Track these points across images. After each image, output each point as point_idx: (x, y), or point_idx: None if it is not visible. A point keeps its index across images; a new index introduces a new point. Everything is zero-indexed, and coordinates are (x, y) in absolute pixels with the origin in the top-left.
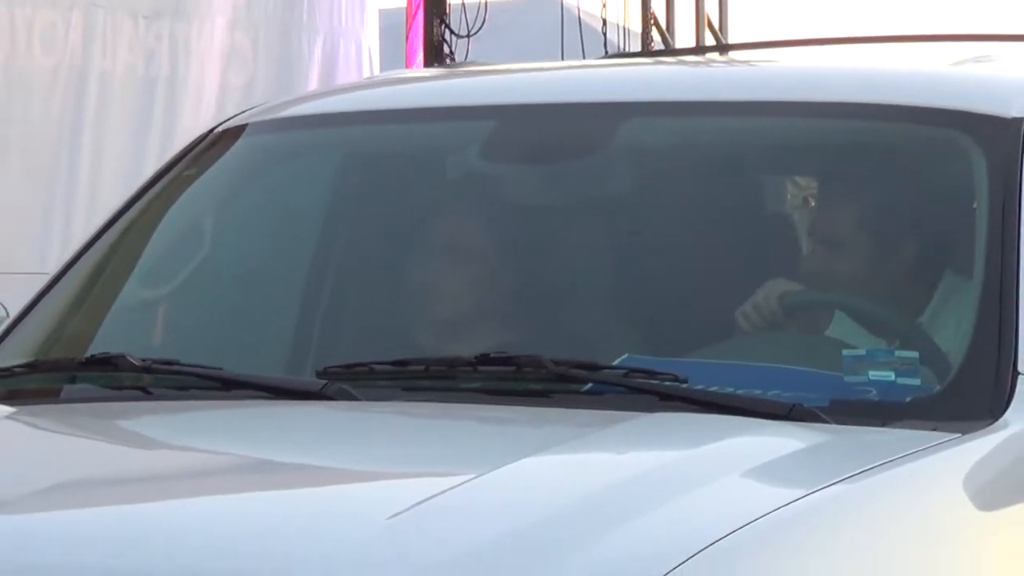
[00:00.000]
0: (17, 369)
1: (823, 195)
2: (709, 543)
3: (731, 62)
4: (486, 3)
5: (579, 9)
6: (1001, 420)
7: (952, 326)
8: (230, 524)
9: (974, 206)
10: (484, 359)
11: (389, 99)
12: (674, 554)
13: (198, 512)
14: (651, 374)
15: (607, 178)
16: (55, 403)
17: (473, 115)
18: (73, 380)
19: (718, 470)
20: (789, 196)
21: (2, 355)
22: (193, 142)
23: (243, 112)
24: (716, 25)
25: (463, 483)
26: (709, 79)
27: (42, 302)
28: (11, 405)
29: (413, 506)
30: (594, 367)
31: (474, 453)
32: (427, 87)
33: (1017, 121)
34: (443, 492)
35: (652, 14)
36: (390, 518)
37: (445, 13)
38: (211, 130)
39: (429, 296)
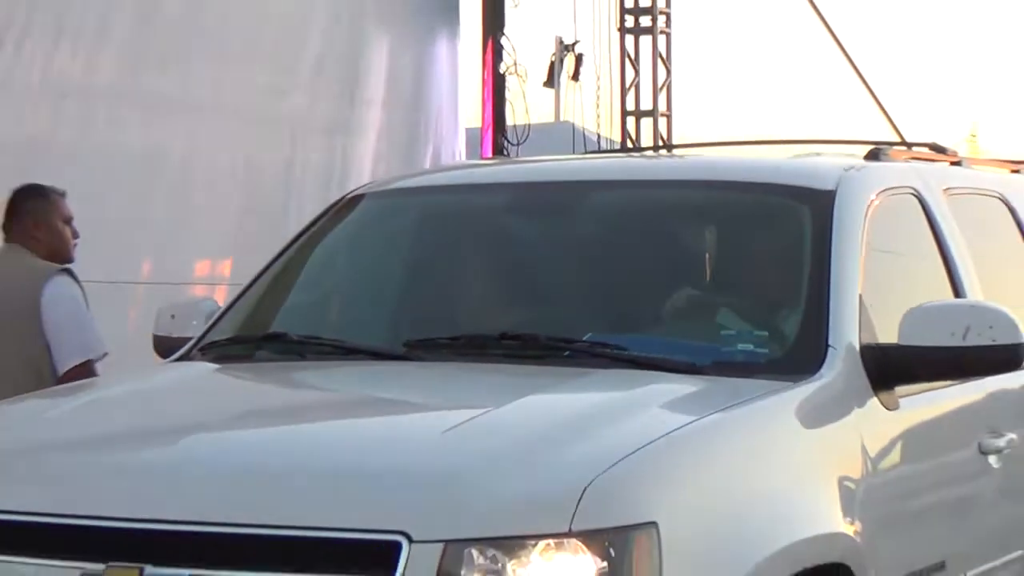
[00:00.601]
0: (223, 341)
1: (716, 235)
2: (648, 441)
3: (664, 157)
4: (529, 125)
5: (584, 129)
6: (817, 375)
7: (790, 317)
8: (342, 433)
9: (804, 243)
10: (504, 336)
11: (450, 178)
12: (623, 449)
13: (326, 427)
14: (604, 345)
15: (582, 225)
16: (246, 363)
17: (503, 188)
18: (257, 348)
19: (646, 402)
20: (696, 236)
21: (214, 333)
22: (333, 203)
23: (364, 185)
24: (664, 136)
25: (488, 411)
26: (648, 167)
27: (238, 300)
28: (219, 364)
29: (458, 424)
30: (570, 341)
31: (495, 393)
32: (474, 171)
33: (831, 192)
34: (476, 416)
35: (626, 132)
36: (443, 432)
37: (504, 130)
38: (344, 196)
39: (469, 296)
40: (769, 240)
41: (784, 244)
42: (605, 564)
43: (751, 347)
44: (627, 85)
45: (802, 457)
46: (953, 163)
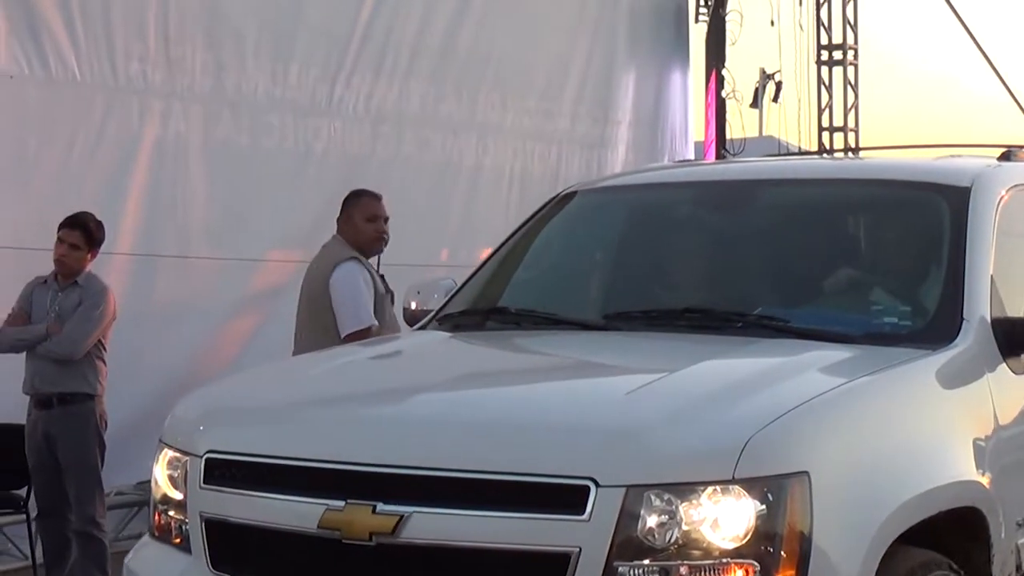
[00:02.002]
0: (456, 314)
1: (869, 224)
2: (803, 401)
3: (831, 159)
4: (744, 139)
5: (787, 142)
6: (952, 343)
7: (931, 295)
8: (545, 393)
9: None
10: (687, 310)
11: (647, 178)
12: (780, 408)
13: (532, 387)
14: (770, 318)
15: (755, 217)
16: (473, 332)
17: (689, 186)
18: (484, 319)
19: (802, 367)
20: (851, 225)
21: (450, 307)
22: (551, 199)
23: (577, 184)
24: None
25: (665, 375)
26: (812, 167)
27: (471, 280)
28: (451, 332)
29: (641, 386)
30: (742, 314)
31: (673, 359)
32: (670, 171)
33: (967, 188)
34: (655, 380)
35: (821, 144)
36: (627, 393)
37: (726, 145)
38: (559, 193)
39: (661, 276)
40: (913, 229)
41: (926, 232)
42: (764, 507)
43: (896, 320)
44: (822, 106)
45: (939, 414)
46: None
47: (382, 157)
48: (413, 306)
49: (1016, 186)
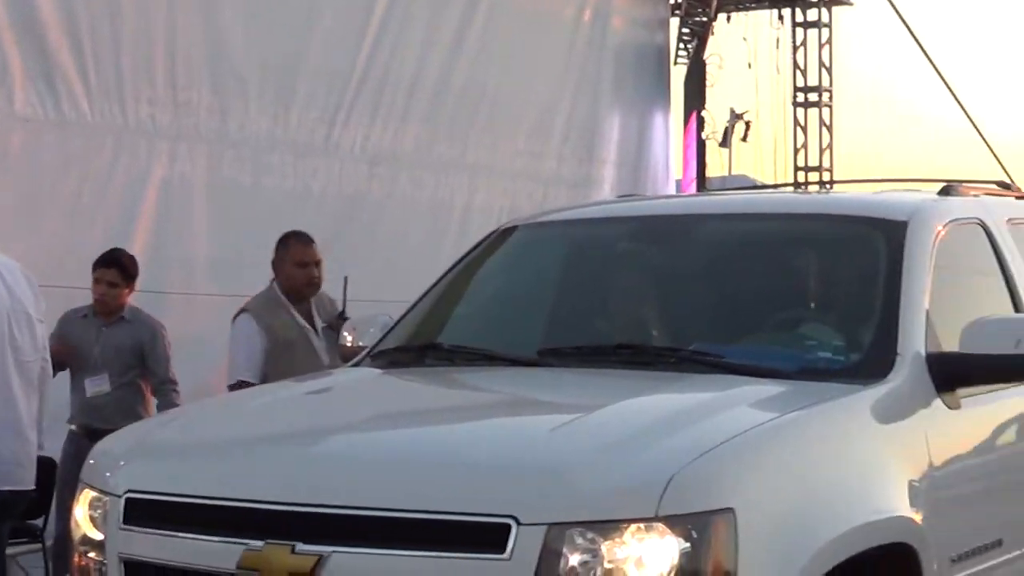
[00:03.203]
0: (390, 350)
1: (805, 260)
2: (730, 436)
3: (770, 193)
4: (724, 177)
5: (760, 180)
6: (885, 378)
7: (865, 330)
8: (468, 430)
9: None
10: (621, 345)
11: (590, 212)
12: (706, 444)
13: (456, 424)
14: (704, 354)
15: (692, 252)
16: (405, 368)
17: (627, 221)
18: (417, 356)
19: (732, 403)
20: (787, 260)
21: (385, 342)
22: (490, 233)
23: (517, 219)
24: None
25: (592, 412)
26: (750, 202)
27: (406, 315)
28: (383, 369)
29: (566, 423)
30: (675, 350)
31: (602, 395)
32: (610, 207)
33: (904, 223)
34: (581, 416)
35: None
36: (551, 430)
37: (704, 183)
38: (499, 228)
39: (595, 311)
40: (850, 264)
41: (862, 267)
42: (688, 545)
43: (830, 355)
44: (798, 146)
45: (870, 450)
46: (1018, 197)
47: (377, 196)
48: (348, 342)
49: (954, 220)
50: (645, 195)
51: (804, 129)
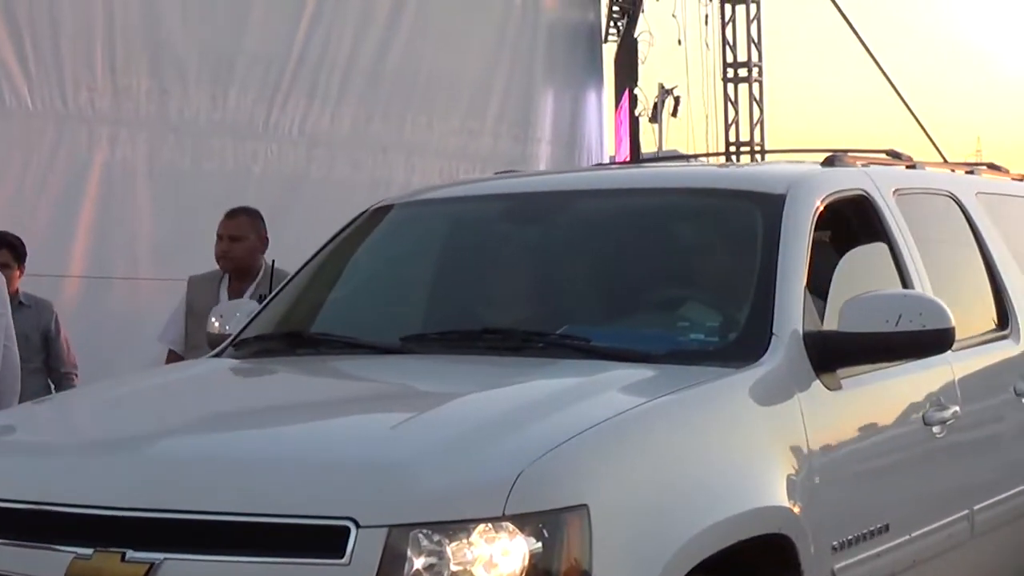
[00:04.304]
0: (251, 339)
1: (679, 237)
2: (586, 427)
3: (656, 167)
4: (656, 153)
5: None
6: (760, 360)
7: (740, 310)
8: (309, 427)
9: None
10: (486, 330)
11: (467, 190)
12: (559, 436)
13: (297, 421)
14: (572, 338)
15: (563, 230)
16: (265, 358)
17: (501, 198)
18: (279, 345)
19: (593, 390)
20: (661, 238)
21: (249, 330)
22: (362, 212)
23: (391, 196)
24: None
25: (445, 403)
26: (627, 176)
27: (272, 301)
28: (241, 360)
29: (411, 417)
30: (543, 334)
31: (461, 384)
32: (488, 184)
33: (781, 196)
34: (432, 409)
35: (730, 159)
36: (394, 426)
37: (640, 158)
38: (371, 207)
39: (463, 295)
40: (725, 240)
41: (738, 243)
42: (539, 544)
43: (703, 336)
44: (729, 122)
45: (741, 437)
46: (908, 166)
47: (316, 178)
48: (215, 329)
49: (835, 192)
50: (525, 171)
51: (735, 105)
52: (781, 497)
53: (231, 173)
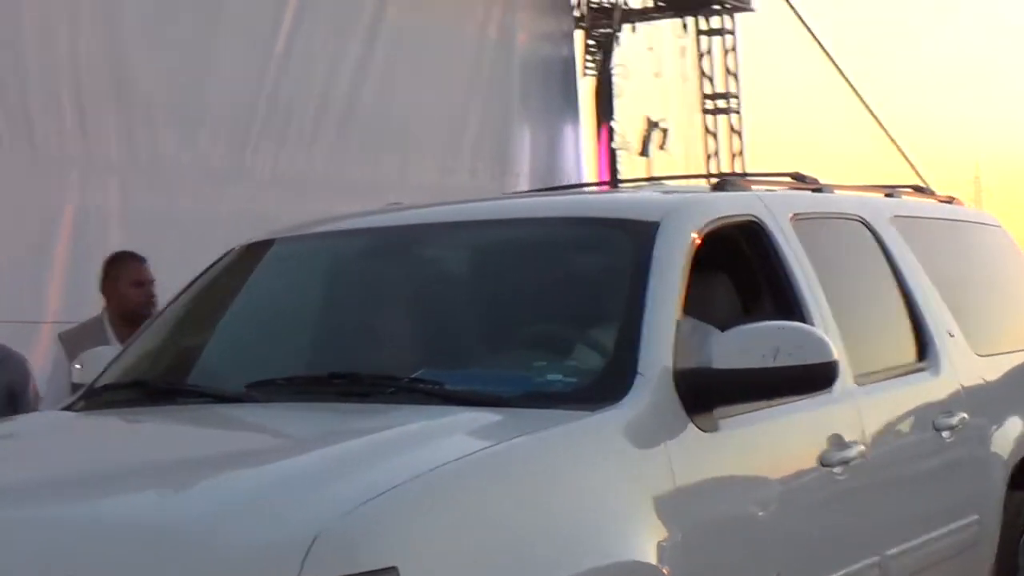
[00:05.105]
0: (99, 389)
1: (543, 270)
2: (403, 480)
3: (529, 196)
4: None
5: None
6: (620, 402)
7: (602, 347)
8: (109, 486)
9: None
10: (334, 375)
11: (339, 225)
12: (370, 490)
13: (99, 480)
14: (420, 381)
15: (422, 266)
16: (105, 410)
17: (366, 233)
18: (123, 395)
19: (423, 438)
20: (524, 271)
21: (103, 378)
22: (229, 250)
23: (271, 231)
24: None
25: (255, 458)
26: (496, 207)
27: (128, 347)
28: (83, 412)
29: (209, 477)
30: (393, 378)
31: (285, 435)
32: (360, 218)
33: (654, 224)
34: (240, 464)
35: None
36: (194, 485)
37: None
38: (248, 242)
39: (315, 337)
40: (593, 272)
41: (605, 276)
42: None
43: (560, 377)
44: (709, 153)
45: (590, 486)
46: (814, 190)
47: (288, 220)
48: (75, 377)
49: (720, 219)
50: (406, 203)
51: (714, 136)
52: (644, 552)
53: (202, 215)
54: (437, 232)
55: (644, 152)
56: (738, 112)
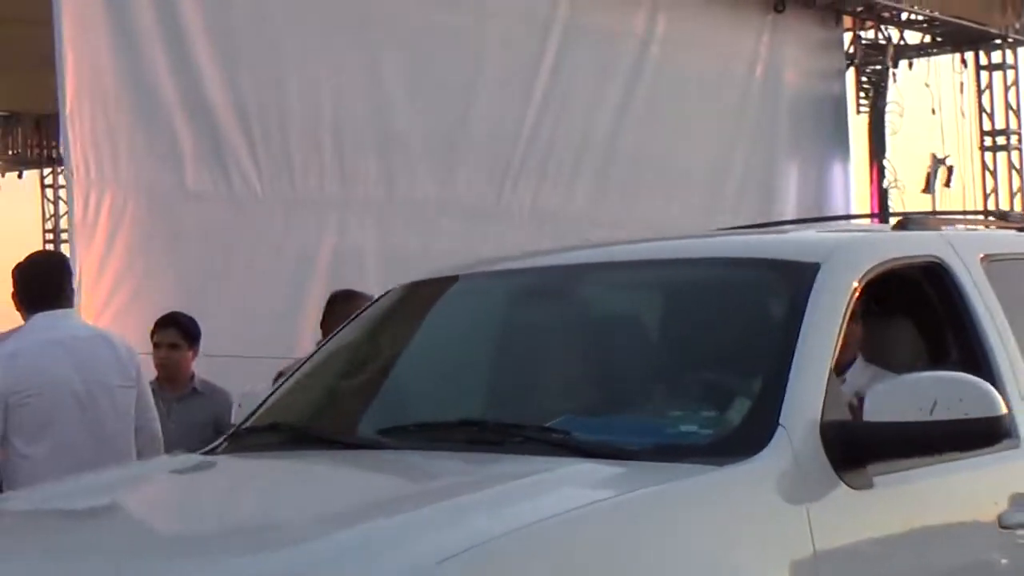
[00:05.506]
0: (242, 432)
1: (688, 314)
2: (502, 533)
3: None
4: None
5: None
6: (755, 456)
7: (745, 397)
8: (209, 538)
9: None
10: (463, 422)
11: (481, 267)
12: (482, 536)
13: (200, 530)
14: (548, 431)
15: (566, 309)
16: (239, 455)
17: (507, 275)
18: (259, 439)
19: (532, 492)
20: (672, 315)
21: (249, 421)
22: (385, 292)
23: (442, 269)
24: None
25: (364, 507)
26: (647, 248)
27: (275, 392)
28: (233, 454)
29: (310, 527)
30: (520, 427)
31: (394, 487)
32: (508, 262)
33: (814, 266)
34: (337, 518)
35: None
36: (295, 536)
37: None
38: (396, 287)
39: (455, 383)
40: (742, 318)
41: (755, 321)
42: None
43: (695, 428)
44: (988, 191)
45: (701, 546)
46: (1019, 229)
47: None
48: (233, 418)
49: (894, 260)
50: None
51: (993, 174)
52: None
53: (460, 254)
54: (587, 274)
55: (927, 189)
56: (1019, 149)
